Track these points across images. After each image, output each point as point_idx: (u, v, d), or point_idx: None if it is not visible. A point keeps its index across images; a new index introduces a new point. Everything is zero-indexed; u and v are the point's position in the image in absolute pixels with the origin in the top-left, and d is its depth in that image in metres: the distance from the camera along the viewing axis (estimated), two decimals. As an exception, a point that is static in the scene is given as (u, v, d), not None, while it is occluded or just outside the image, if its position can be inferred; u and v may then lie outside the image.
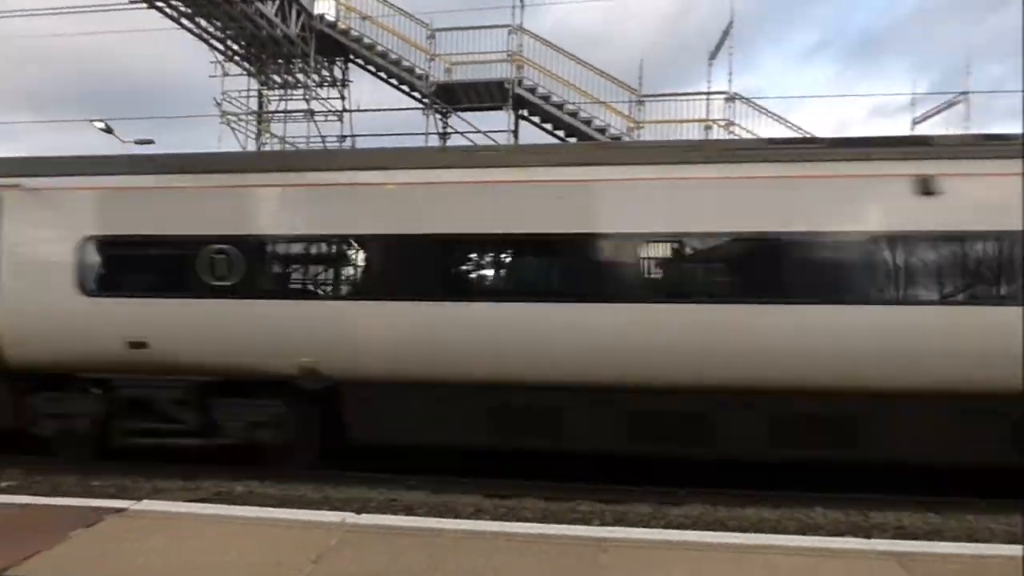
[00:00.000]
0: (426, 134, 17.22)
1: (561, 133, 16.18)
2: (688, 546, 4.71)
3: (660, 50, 39.95)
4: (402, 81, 17.42)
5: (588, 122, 15.51)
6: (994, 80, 49.22)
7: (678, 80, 47.98)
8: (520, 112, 16.51)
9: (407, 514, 6.34)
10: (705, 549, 4.61)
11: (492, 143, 16.12)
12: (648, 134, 15.13)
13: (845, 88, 63.33)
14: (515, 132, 16.49)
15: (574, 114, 15.66)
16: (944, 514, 6.61)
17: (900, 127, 15.02)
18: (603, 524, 6.23)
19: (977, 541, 5.66)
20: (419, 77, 16.91)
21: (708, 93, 15.48)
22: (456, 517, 6.30)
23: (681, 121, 15.26)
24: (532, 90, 16.05)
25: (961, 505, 6.80)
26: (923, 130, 15.33)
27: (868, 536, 5.85)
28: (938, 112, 15.41)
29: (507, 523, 5.87)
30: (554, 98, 15.87)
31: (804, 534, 6.00)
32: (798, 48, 64.53)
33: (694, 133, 14.93)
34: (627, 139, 14.99)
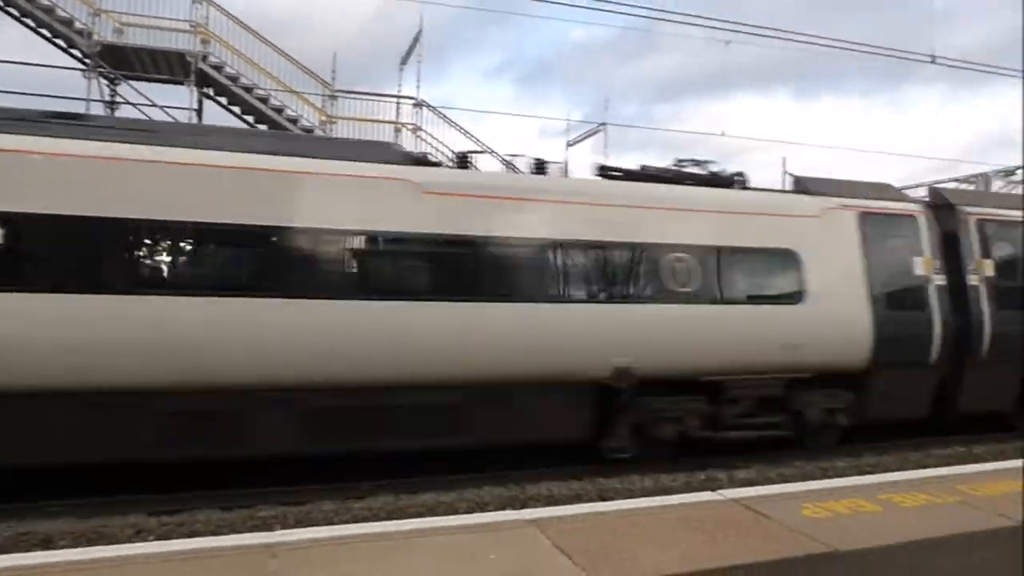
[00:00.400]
0: (88, 100, 14.74)
1: (250, 119, 15.21)
2: (362, 538, 4.83)
3: (355, 48, 39.70)
4: (56, 34, 14.68)
5: (280, 110, 14.84)
6: (627, 116, 59.67)
7: (372, 80, 48.47)
8: (204, 90, 15.10)
9: (44, 548, 5.48)
10: (379, 539, 4.77)
11: (170, 119, 14.48)
12: (340, 130, 15.01)
13: (522, 107, 71.04)
14: (199, 111, 15.04)
15: (264, 100, 14.84)
16: (585, 480, 7.85)
17: (559, 148, 17.28)
18: (285, 527, 6.12)
19: (605, 500, 6.84)
20: (79, 32, 14.44)
21: (398, 97, 15.91)
22: (111, 543, 5.63)
23: (373, 121, 15.44)
24: (219, 68, 14.80)
25: (597, 471, 8.15)
26: (575, 152, 17.66)
27: (524, 506, 6.70)
28: (585, 138, 17.82)
29: (173, 541, 5.41)
30: (243, 80, 14.85)
31: (473, 512, 6.63)
32: (484, 66, 69.94)
33: (385, 134, 15.22)
34: (320, 132, 14.70)
